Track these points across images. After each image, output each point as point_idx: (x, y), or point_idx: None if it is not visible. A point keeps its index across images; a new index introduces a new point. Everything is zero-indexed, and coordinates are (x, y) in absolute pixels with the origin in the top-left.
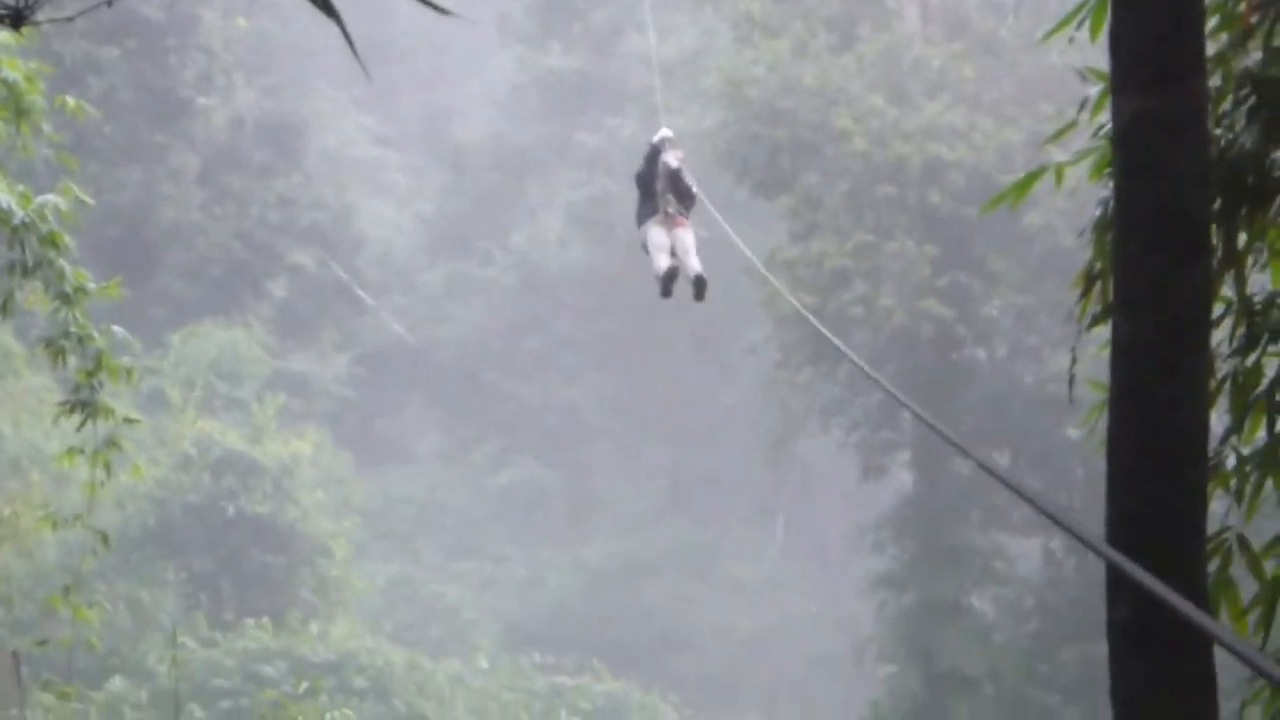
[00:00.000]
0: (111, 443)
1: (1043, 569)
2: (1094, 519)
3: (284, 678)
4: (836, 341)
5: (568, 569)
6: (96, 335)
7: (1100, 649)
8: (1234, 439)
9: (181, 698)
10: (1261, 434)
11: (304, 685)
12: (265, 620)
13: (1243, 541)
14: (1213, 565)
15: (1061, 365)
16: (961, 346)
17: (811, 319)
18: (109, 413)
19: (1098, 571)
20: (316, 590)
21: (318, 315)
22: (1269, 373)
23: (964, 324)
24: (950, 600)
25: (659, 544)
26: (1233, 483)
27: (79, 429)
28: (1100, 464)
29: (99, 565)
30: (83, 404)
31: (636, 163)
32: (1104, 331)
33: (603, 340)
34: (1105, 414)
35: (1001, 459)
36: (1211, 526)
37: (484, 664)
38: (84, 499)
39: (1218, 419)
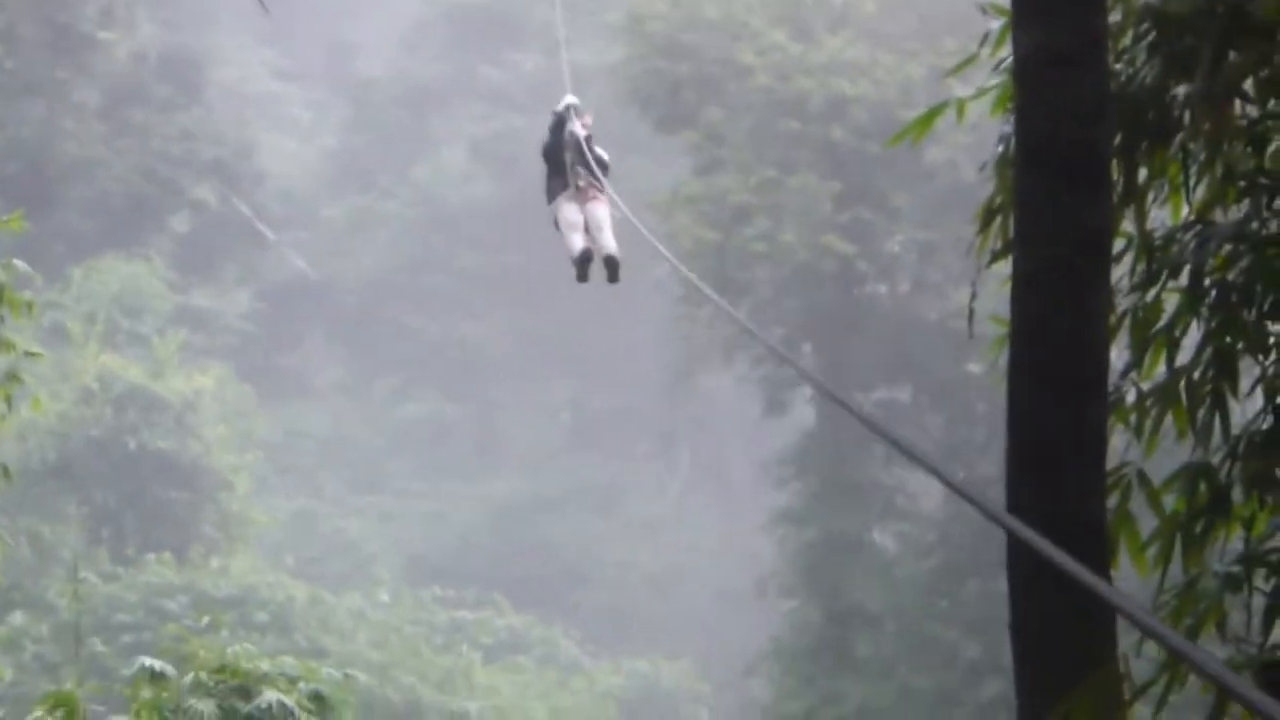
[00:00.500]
0: (12, 376)
1: (944, 504)
2: (995, 453)
3: (186, 612)
4: (748, 325)
5: (471, 504)
6: None
7: (1001, 584)
8: (1134, 374)
9: (83, 632)
10: (1161, 369)
11: (205, 619)
12: (167, 555)
13: (1142, 477)
14: (1112, 500)
15: (963, 300)
16: (864, 282)
17: (721, 302)
18: (9, 347)
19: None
20: (218, 525)
21: (219, 250)
22: (1168, 308)
23: (866, 259)
24: (852, 535)
25: (562, 479)
26: (1132, 418)
27: None
28: (1001, 398)
29: (0, 499)
30: None
31: (539, 104)
32: (1005, 266)
33: (506, 275)
34: (1006, 348)
35: (903, 394)
36: (1111, 461)
37: (385, 598)
38: None
39: (1118, 354)
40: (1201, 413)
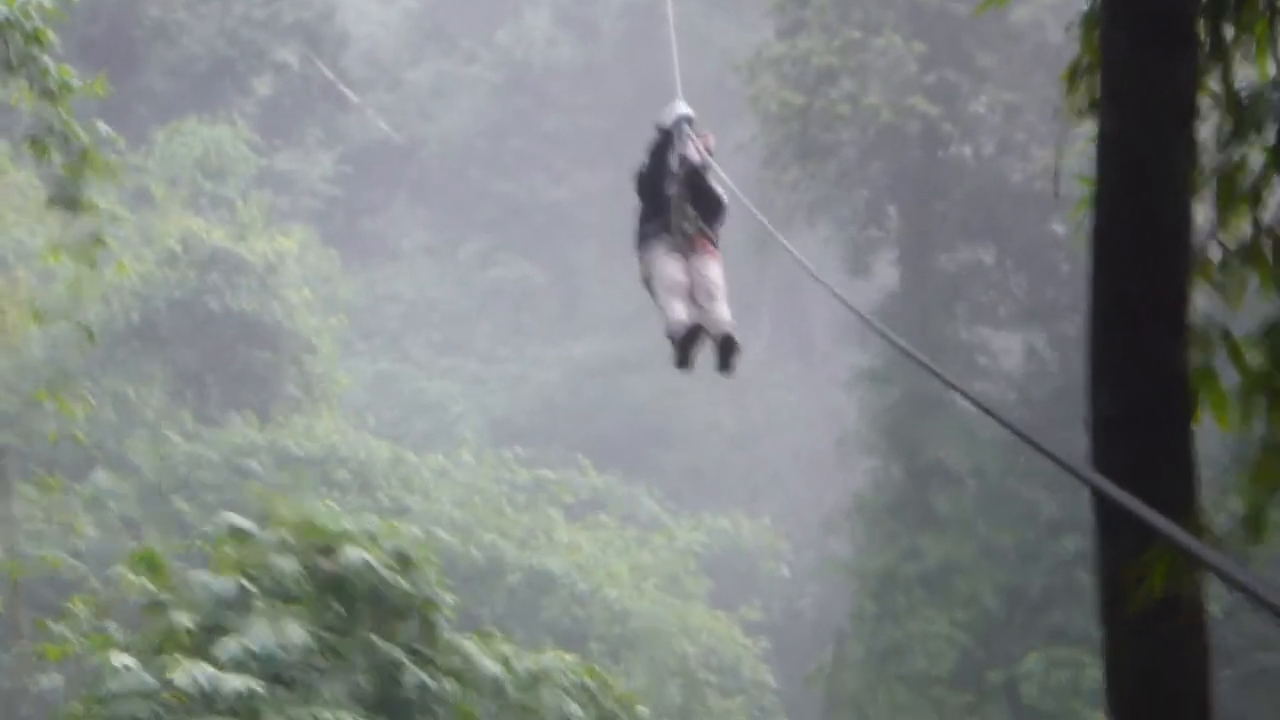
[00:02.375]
0: (97, 239)
1: (1025, 364)
2: (1079, 314)
3: (268, 471)
4: (861, 312)
5: (554, 366)
6: (81, 132)
7: (1080, 440)
8: (1219, 232)
9: (166, 490)
10: (1246, 227)
11: (288, 478)
12: (250, 415)
13: (1225, 333)
14: (1195, 357)
15: (1048, 161)
16: (948, 144)
17: (865, 318)
18: (94, 209)
19: (1080, 365)
20: (301, 386)
21: (302, 113)
22: (1254, 167)
23: (951, 121)
24: (933, 395)
25: (645, 341)
26: (1216, 275)
27: (64, 225)
28: (1085, 259)
29: (84, 360)
30: (68, 200)
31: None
32: (1090, 127)
33: (589, 137)
34: (1090, 209)
35: (988, 256)
36: (1194, 319)
37: (468, 458)
38: (69, 295)
39: (1202, 213)
40: None
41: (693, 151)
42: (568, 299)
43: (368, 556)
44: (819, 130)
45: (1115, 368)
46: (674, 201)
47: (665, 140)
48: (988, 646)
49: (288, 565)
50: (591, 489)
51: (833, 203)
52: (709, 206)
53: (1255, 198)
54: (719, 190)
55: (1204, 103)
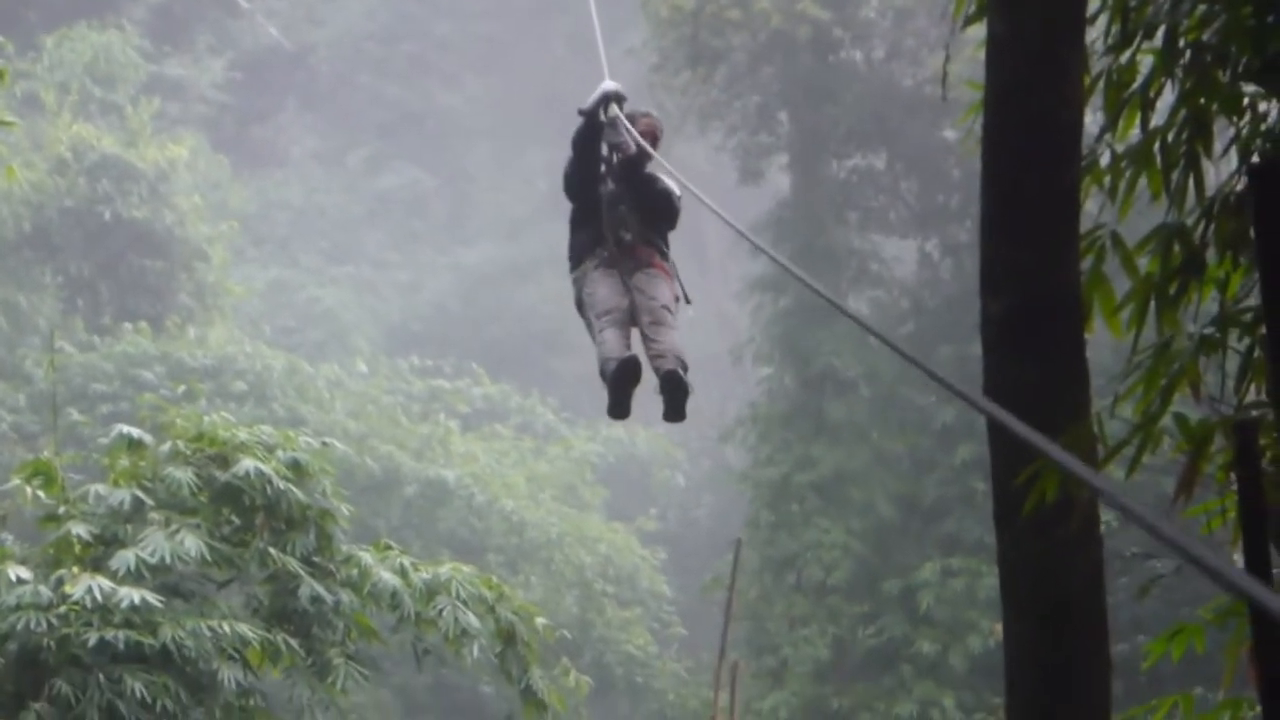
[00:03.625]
0: None
1: (918, 271)
2: (970, 219)
3: (163, 382)
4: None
5: (447, 273)
6: None
7: (974, 349)
8: (1108, 137)
9: (60, 401)
10: (1135, 131)
11: (182, 389)
12: (143, 325)
13: (1116, 239)
14: (1086, 263)
15: (939, 66)
16: (839, 49)
17: (798, 272)
18: None
19: (973, 272)
20: (194, 295)
21: (193, 19)
22: (1143, 70)
23: (841, 26)
24: (825, 304)
25: (538, 248)
26: (1106, 180)
27: None
28: (976, 164)
29: None
30: None
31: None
32: (980, 31)
33: (481, 42)
34: (981, 113)
35: (879, 162)
36: (1086, 224)
37: (363, 368)
38: None
39: (1092, 117)
40: (1176, 174)
41: (627, 140)
42: (459, 205)
43: (263, 467)
44: (709, 35)
45: (1007, 274)
46: (607, 204)
47: (592, 128)
48: (883, 556)
49: (183, 476)
50: (487, 398)
51: (724, 108)
52: (653, 207)
53: (1145, 101)
54: (666, 184)
55: (1093, 6)
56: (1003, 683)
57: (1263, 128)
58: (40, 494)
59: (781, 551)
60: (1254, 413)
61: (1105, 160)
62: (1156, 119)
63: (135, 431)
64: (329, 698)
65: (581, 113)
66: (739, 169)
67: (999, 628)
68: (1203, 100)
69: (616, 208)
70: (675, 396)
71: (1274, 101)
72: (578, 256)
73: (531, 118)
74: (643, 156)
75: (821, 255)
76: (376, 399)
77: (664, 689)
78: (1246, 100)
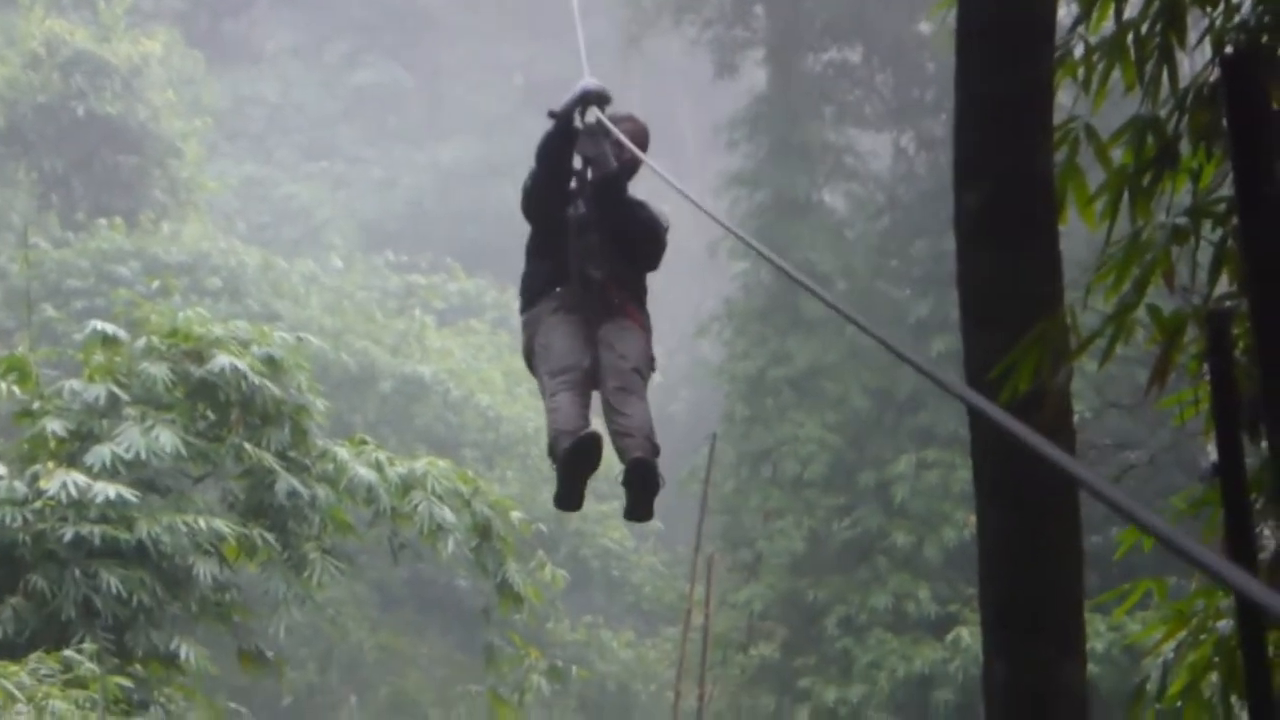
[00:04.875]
0: None
1: (893, 165)
2: (945, 112)
3: (137, 278)
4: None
5: (422, 170)
6: None
7: (949, 242)
8: (1081, 28)
9: (34, 297)
10: (1109, 22)
11: (157, 284)
12: (118, 221)
13: (1090, 130)
14: (1060, 154)
15: None
16: None
17: (780, 262)
18: None
19: (948, 166)
20: (168, 191)
21: None
22: None
23: None
24: (802, 197)
25: (514, 144)
26: (1080, 71)
27: None
28: (950, 58)
29: None
30: None
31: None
32: None
33: None
34: (955, 6)
35: (854, 55)
36: (1059, 116)
37: (338, 264)
38: None
39: (1065, 8)
40: (1149, 66)
41: (607, 153)
42: (435, 102)
43: (238, 362)
44: None
45: (981, 166)
46: (575, 230)
47: (564, 136)
48: (858, 449)
49: (158, 372)
50: (462, 294)
51: (699, 2)
52: (632, 237)
53: None
54: (651, 212)
55: None
56: (976, 574)
57: (1236, 19)
58: (15, 390)
59: (757, 445)
60: (1227, 303)
61: (1079, 52)
62: (1130, 10)
63: (110, 327)
64: (305, 592)
65: (553, 115)
66: (715, 63)
67: (973, 519)
68: None
69: (586, 236)
70: (643, 490)
71: None
72: (531, 295)
73: (509, 15)
74: (625, 174)
75: (797, 149)
76: (352, 295)
77: (640, 582)
78: None
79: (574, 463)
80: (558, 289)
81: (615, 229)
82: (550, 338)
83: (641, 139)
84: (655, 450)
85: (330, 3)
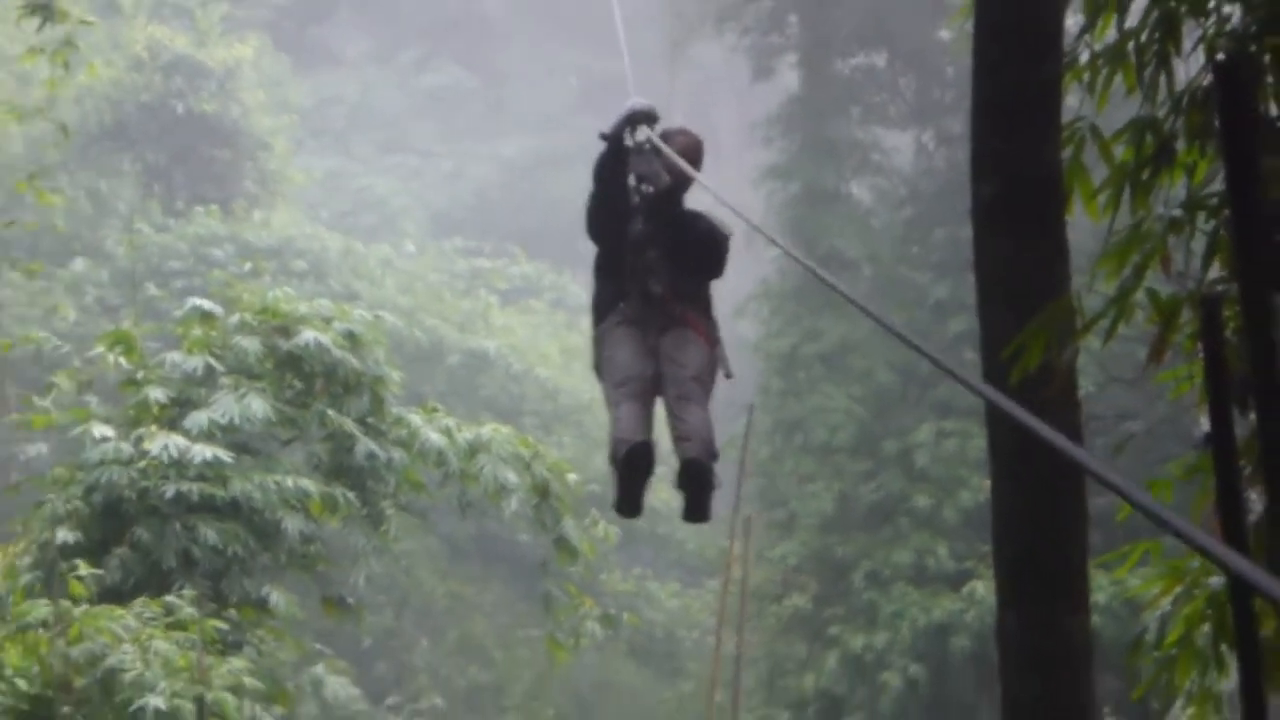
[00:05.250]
0: (68, 43)
1: (914, 160)
2: (963, 112)
3: (231, 260)
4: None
5: (486, 162)
6: None
7: (966, 231)
8: (1087, 36)
9: (138, 277)
10: (1111, 31)
11: (249, 266)
12: (213, 208)
13: (1094, 130)
14: (1067, 152)
15: None
16: None
17: (808, 264)
18: (64, 15)
19: (965, 161)
20: (258, 182)
21: None
22: None
23: None
24: (831, 188)
25: (570, 139)
26: (1085, 76)
27: (39, 30)
28: (968, 63)
29: (61, 156)
30: (41, 7)
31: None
32: None
33: None
34: (972, 15)
35: (880, 60)
36: (1066, 116)
37: (411, 249)
38: (46, 96)
39: (1073, 19)
40: (1148, 71)
41: (659, 170)
42: (497, 101)
43: (321, 337)
44: None
45: (995, 162)
46: (633, 247)
47: (616, 156)
48: (883, 419)
49: (250, 345)
50: (523, 277)
51: (738, 11)
52: (690, 249)
53: (1120, 4)
54: (710, 224)
55: None
56: (990, 533)
57: (1227, 28)
58: (121, 361)
59: (790, 415)
60: (1219, 288)
61: (1084, 58)
62: (1130, 20)
63: (207, 304)
64: (382, 545)
65: (604, 137)
66: (752, 67)
67: (988, 484)
68: (1172, 3)
69: (644, 252)
70: (698, 492)
71: (1237, 3)
72: (600, 312)
73: (563, 22)
74: (678, 189)
75: (826, 146)
76: (423, 277)
77: (684, 539)
78: (1212, 3)
79: (630, 470)
80: (621, 304)
81: (673, 243)
82: (614, 350)
83: (695, 152)
84: (712, 454)
85: (402, 12)
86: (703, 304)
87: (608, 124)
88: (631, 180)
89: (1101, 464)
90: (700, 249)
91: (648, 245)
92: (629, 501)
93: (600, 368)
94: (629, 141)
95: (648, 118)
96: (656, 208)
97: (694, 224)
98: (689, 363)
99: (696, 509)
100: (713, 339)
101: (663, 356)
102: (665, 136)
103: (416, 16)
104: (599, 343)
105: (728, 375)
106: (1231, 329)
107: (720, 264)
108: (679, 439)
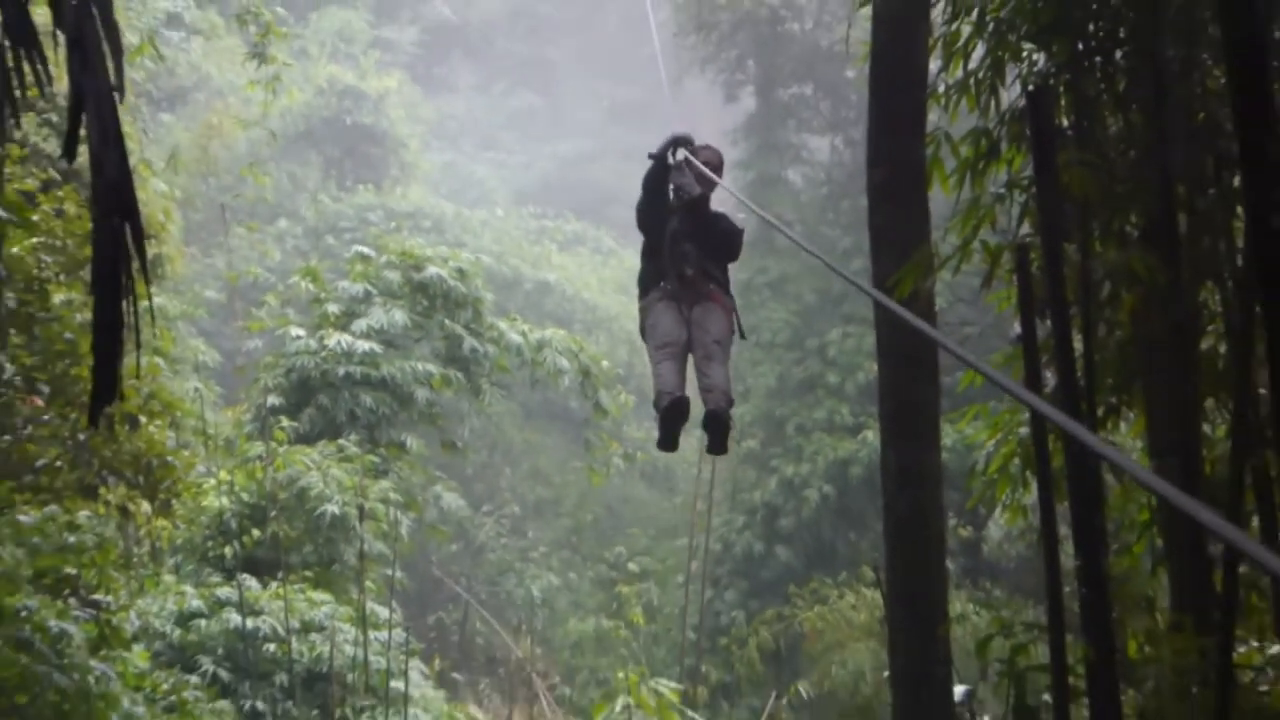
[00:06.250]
0: (276, 78)
1: (830, 156)
2: (862, 124)
3: (381, 221)
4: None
5: (549, 158)
6: (267, 12)
7: (864, 201)
8: (943, 74)
9: (320, 231)
10: (960, 72)
11: (394, 225)
12: (370, 186)
13: (947, 136)
14: (930, 149)
15: (844, 31)
16: (784, 22)
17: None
18: (274, 59)
19: (863, 156)
20: (399, 169)
21: (399, 3)
22: (964, 34)
23: (786, 8)
24: (775, 175)
25: (605, 143)
26: (943, 100)
27: (257, 69)
28: (866, 90)
29: (270, 152)
30: (259, 54)
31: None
32: (868, 11)
33: (569, 21)
34: (869, 60)
35: (808, 89)
36: (930, 127)
37: (500, 213)
38: (260, 112)
39: (935, 63)
40: (983, 97)
41: (692, 182)
42: (554, 117)
43: (441, 271)
44: (707, 13)
45: (882, 156)
46: (671, 239)
47: (660, 170)
48: (808, 325)
49: (393, 276)
50: (573, 232)
51: (715, 57)
52: (714, 241)
53: (965, 53)
54: (729, 223)
55: None
56: (876, 399)
57: (1035, 69)
58: (309, 286)
59: (747, 323)
60: (1027, 239)
61: (941, 89)
62: (972, 63)
63: (365, 249)
64: (479, 408)
65: (651, 156)
66: (724, 94)
67: (874, 367)
68: (999, 52)
69: (680, 244)
70: (718, 433)
71: (1041, 52)
72: (645, 286)
73: (600, 62)
74: (705, 197)
75: (772, 147)
76: (508, 232)
77: None
78: (1025, 52)
79: (670, 418)
80: (662, 283)
81: (701, 236)
82: (657, 319)
83: (717, 162)
84: (730, 401)
85: (495, 56)
86: (723, 282)
87: (654, 146)
88: (670, 189)
89: (953, 343)
90: (722, 240)
91: (683, 239)
92: (668, 440)
93: (645, 332)
94: (670, 160)
95: (685, 142)
96: (690, 210)
97: (717, 223)
98: (713, 329)
99: (717, 444)
100: (730, 309)
101: (693, 324)
102: (694, 151)
103: (503, 59)
104: (645, 312)
105: (742, 336)
106: (1035, 266)
107: (737, 252)
108: (704, 390)
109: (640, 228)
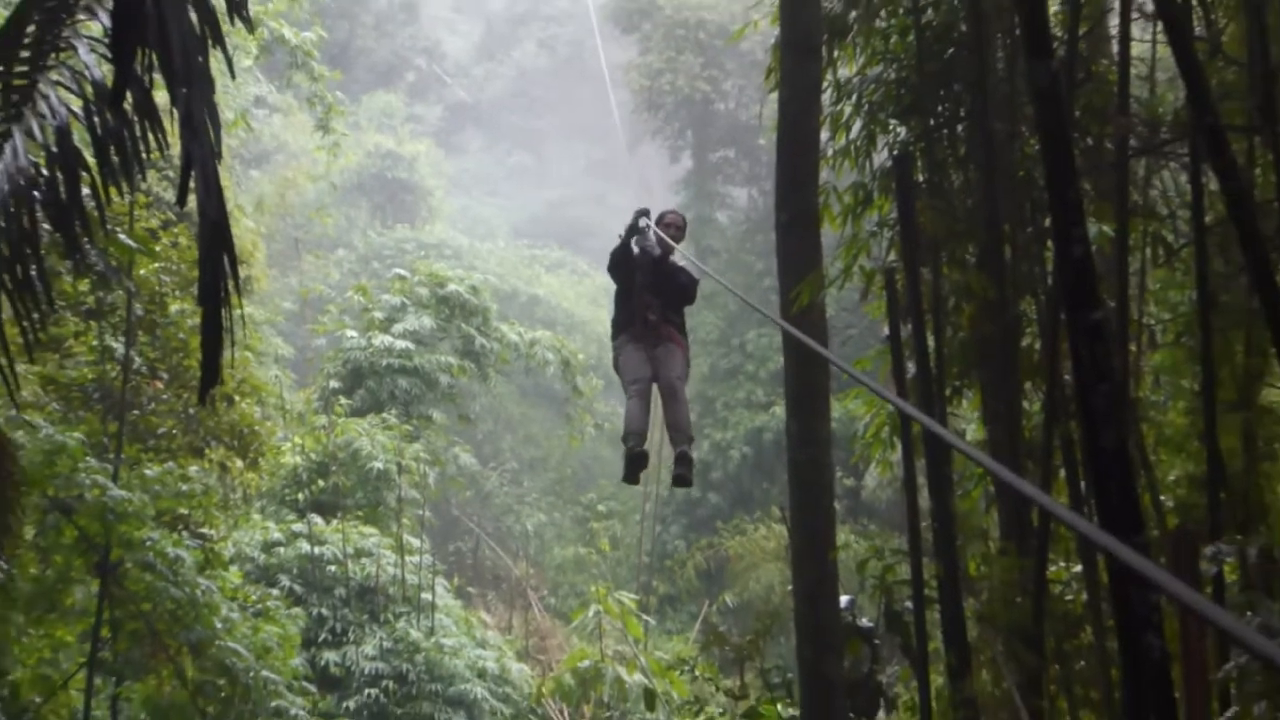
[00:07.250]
0: (336, 144)
1: (748, 202)
2: (772, 178)
3: (414, 251)
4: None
5: (538, 203)
6: (329, 95)
7: (773, 236)
8: (832, 141)
9: (368, 258)
10: (844, 139)
11: (423, 253)
12: (405, 225)
13: (835, 188)
14: (823, 197)
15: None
16: (714, 102)
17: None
18: (335, 131)
19: (772, 203)
20: (428, 211)
21: (427, 88)
22: (847, 112)
23: (716, 93)
24: (708, 216)
25: (582, 189)
26: (831, 161)
27: (322, 137)
28: (774, 152)
29: (331, 199)
30: (324, 127)
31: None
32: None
33: (557, 100)
34: (777, 131)
35: (731, 153)
36: (821, 181)
37: (501, 244)
38: (324, 170)
39: (826, 134)
40: (861, 158)
41: (654, 245)
42: (543, 170)
43: (458, 287)
44: (655, 96)
45: (786, 201)
46: (638, 290)
47: (629, 236)
48: (731, 327)
49: (423, 291)
50: (557, 258)
51: (662, 129)
52: (673, 291)
53: (847, 126)
54: (687, 276)
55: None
56: (783, 382)
57: (899, 139)
58: (361, 299)
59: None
60: (894, 264)
61: (830, 153)
62: (852, 134)
63: (402, 271)
64: (486, 389)
65: (621, 234)
66: (670, 155)
67: (781, 359)
68: (872, 126)
69: (644, 293)
70: (683, 470)
71: (903, 126)
72: (618, 328)
73: (578, 130)
74: (665, 257)
75: (705, 196)
76: (508, 258)
77: None
78: (891, 126)
79: (632, 464)
80: (630, 327)
81: (663, 288)
82: (627, 359)
83: (681, 223)
84: (690, 440)
85: (497, 128)
86: (680, 324)
87: (622, 225)
88: (637, 250)
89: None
90: (680, 291)
91: (647, 289)
92: (631, 477)
93: (618, 368)
94: (640, 225)
95: (647, 214)
96: (652, 266)
97: (676, 275)
98: (674, 368)
99: (682, 479)
100: (685, 347)
101: (657, 363)
102: (660, 215)
103: (505, 128)
104: (617, 351)
105: (687, 366)
106: (900, 284)
107: (692, 299)
108: (669, 426)
109: (613, 279)
